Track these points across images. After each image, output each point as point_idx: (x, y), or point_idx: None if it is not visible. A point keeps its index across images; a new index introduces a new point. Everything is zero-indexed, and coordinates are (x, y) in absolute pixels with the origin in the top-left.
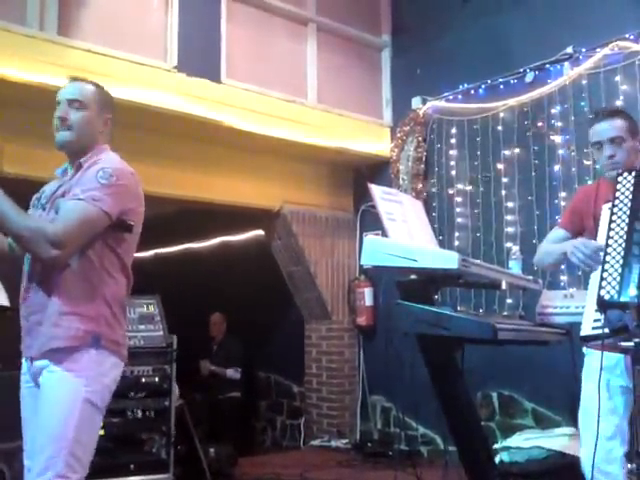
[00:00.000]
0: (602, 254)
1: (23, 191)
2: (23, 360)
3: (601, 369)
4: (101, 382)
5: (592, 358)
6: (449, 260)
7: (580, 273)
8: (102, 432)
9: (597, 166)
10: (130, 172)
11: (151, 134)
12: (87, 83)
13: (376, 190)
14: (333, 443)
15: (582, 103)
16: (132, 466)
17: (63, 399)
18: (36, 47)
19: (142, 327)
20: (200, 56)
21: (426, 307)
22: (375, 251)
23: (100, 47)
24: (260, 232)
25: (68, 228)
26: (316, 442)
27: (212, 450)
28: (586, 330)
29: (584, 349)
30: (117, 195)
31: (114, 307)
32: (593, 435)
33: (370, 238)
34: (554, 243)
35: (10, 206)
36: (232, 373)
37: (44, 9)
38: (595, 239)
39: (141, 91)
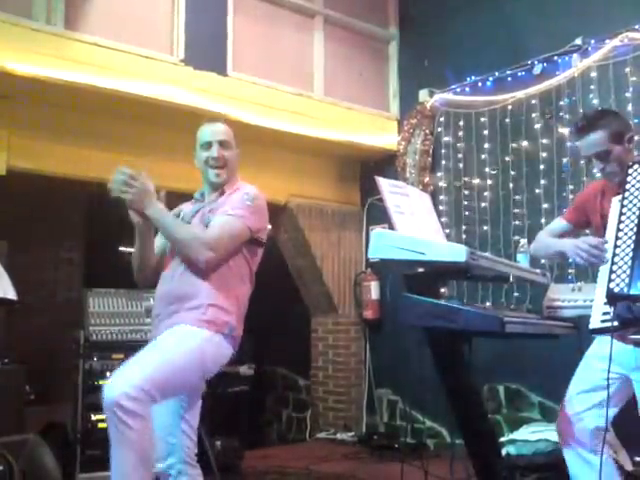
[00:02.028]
0: (611, 247)
1: (29, 184)
2: None
3: (610, 360)
4: (218, 360)
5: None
6: (457, 253)
7: (588, 266)
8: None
9: None
10: (263, 197)
11: (157, 127)
12: (225, 124)
13: (383, 183)
14: (339, 436)
15: (591, 95)
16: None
17: (186, 338)
18: (43, 41)
19: (148, 320)
20: (207, 49)
21: (434, 300)
22: (382, 244)
23: (107, 40)
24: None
25: (220, 236)
26: (322, 435)
27: (218, 443)
28: (595, 323)
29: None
30: (257, 214)
31: (241, 307)
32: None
33: (378, 231)
34: (553, 235)
35: (172, 218)
36: (245, 370)
37: (51, 2)
38: (601, 235)
39: (148, 84)
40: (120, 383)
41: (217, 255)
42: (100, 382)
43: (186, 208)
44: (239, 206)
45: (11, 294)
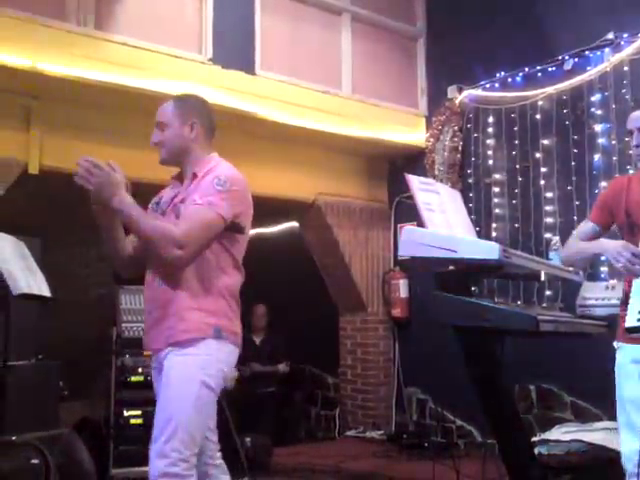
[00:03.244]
0: None
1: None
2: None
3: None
4: (217, 367)
5: (624, 353)
6: (490, 251)
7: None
8: (140, 421)
9: None
10: (241, 178)
11: None
12: (167, 102)
13: (413, 180)
14: (368, 434)
15: (623, 90)
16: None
17: (182, 380)
18: (74, 42)
19: None
20: (235, 48)
21: (466, 298)
22: (413, 242)
23: (136, 40)
24: (294, 224)
25: (190, 231)
26: (351, 433)
27: (248, 440)
28: (631, 321)
29: (615, 344)
30: (231, 200)
31: (230, 300)
32: (632, 429)
33: (408, 229)
34: (584, 238)
35: (139, 211)
36: (284, 368)
37: (81, 4)
38: (628, 233)
39: (176, 84)
40: (159, 464)
41: (188, 253)
42: (132, 379)
43: (166, 194)
44: (209, 193)
45: (45, 291)
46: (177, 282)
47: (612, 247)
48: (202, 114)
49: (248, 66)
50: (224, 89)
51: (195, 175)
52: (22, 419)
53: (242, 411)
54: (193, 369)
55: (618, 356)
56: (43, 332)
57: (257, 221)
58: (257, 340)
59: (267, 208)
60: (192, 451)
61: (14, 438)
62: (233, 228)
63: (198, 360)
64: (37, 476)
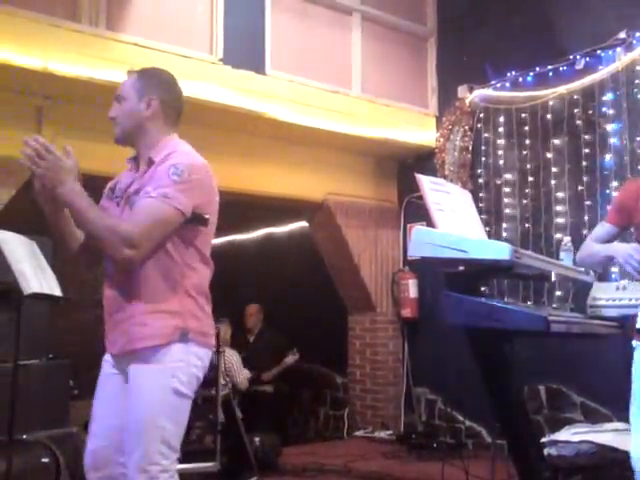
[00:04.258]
0: None
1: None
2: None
3: None
4: (188, 372)
5: None
6: (501, 251)
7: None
8: None
9: None
10: (202, 164)
11: (196, 126)
12: (130, 74)
13: (424, 180)
14: (377, 434)
15: (635, 90)
16: (179, 455)
17: (152, 392)
18: (85, 42)
19: None
20: (245, 48)
21: (477, 299)
22: (423, 242)
23: (147, 41)
24: (304, 224)
25: (142, 228)
26: (360, 433)
27: (257, 439)
28: None
29: (634, 342)
30: (190, 191)
31: (198, 298)
32: None
33: (418, 229)
34: (599, 240)
35: (88, 203)
36: (291, 358)
37: (93, 4)
38: None
39: (187, 84)
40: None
41: (140, 253)
42: None
43: (122, 180)
44: (164, 184)
45: (56, 290)
46: (138, 281)
47: (623, 250)
48: (165, 91)
49: (258, 66)
50: (234, 89)
51: (151, 161)
52: (33, 418)
53: (249, 409)
54: (163, 379)
55: (636, 355)
56: (53, 332)
57: (267, 221)
58: (250, 339)
59: (276, 208)
60: (172, 459)
61: (25, 437)
62: (195, 220)
63: (167, 368)
64: (48, 474)
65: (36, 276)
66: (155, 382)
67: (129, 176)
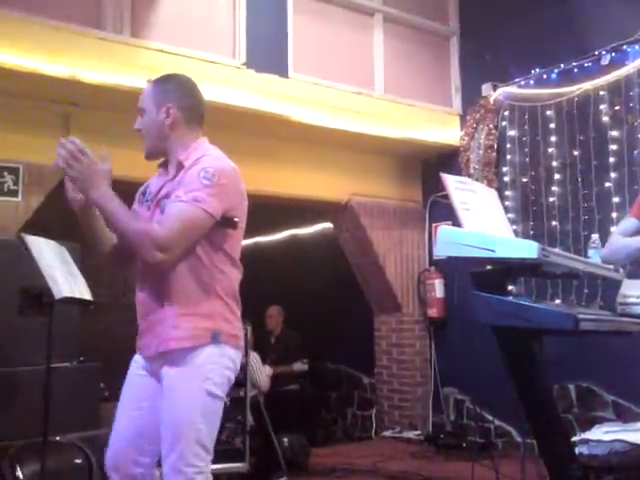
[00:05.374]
0: None
1: None
2: (138, 355)
3: None
4: (221, 374)
5: None
6: (529, 249)
7: None
8: None
9: None
10: (231, 168)
11: (221, 130)
12: (148, 84)
13: (449, 179)
14: (405, 434)
15: None
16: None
17: (187, 394)
18: (110, 49)
19: None
20: (268, 52)
21: (505, 298)
22: (450, 242)
23: (171, 47)
24: (328, 225)
25: (173, 232)
26: (388, 433)
27: (286, 440)
28: None
29: None
30: (220, 195)
31: (229, 301)
32: None
33: (445, 228)
34: (626, 235)
35: (119, 206)
36: (299, 366)
37: (117, 12)
38: None
39: (211, 88)
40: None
41: (171, 256)
42: None
43: (152, 184)
44: (195, 188)
45: (87, 295)
46: (170, 285)
47: None
48: (182, 96)
49: (281, 69)
50: (258, 93)
51: (181, 165)
52: (65, 420)
53: (277, 410)
54: (196, 381)
55: None
56: (83, 335)
57: (291, 222)
58: (272, 340)
59: (301, 210)
60: (207, 460)
61: (58, 438)
62: (225, 224)
63: (201, 371)
64: (81, 475)
65: (67, 281)
66: (189, 384)
67: (159, 180)
